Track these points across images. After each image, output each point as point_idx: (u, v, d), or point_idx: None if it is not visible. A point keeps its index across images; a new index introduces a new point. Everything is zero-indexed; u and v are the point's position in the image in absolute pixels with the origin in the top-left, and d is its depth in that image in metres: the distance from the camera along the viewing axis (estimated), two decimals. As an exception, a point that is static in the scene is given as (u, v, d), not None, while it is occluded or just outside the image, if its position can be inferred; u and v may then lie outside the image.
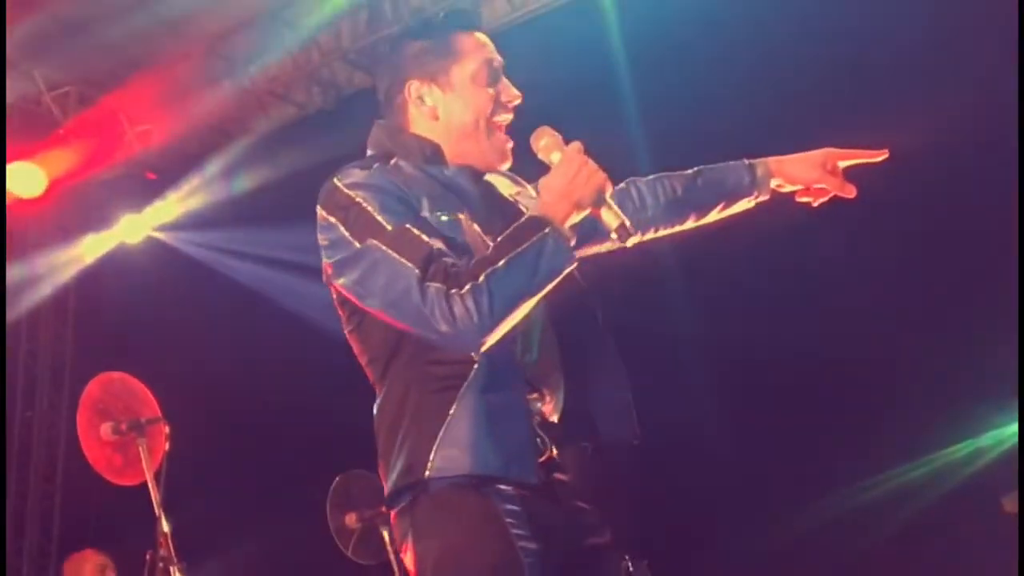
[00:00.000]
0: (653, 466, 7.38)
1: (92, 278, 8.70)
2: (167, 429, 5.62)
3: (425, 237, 2.90)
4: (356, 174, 3.01)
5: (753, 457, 7.55)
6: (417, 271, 2.83)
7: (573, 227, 2.95)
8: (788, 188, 3.49)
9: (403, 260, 2.85)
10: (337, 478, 6.74)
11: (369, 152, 3.19)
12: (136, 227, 8.56)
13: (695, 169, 3.51)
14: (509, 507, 2.92)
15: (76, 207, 8.45)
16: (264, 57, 8.11)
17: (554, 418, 3.06)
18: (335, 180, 3.01)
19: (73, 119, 8.08)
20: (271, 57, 8.12)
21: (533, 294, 2.87)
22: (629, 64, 7.54)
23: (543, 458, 3.00)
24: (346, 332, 3.11)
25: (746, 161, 3.48)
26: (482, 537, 2.90)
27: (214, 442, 7.35)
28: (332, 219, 2.97)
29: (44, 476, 8.99)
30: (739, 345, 7.66)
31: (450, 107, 3.14)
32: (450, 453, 2.90)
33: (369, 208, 2.94)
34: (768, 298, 7.54)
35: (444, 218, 3.01)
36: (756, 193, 3.48)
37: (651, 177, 3.50)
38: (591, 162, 2.95)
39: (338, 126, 8.02)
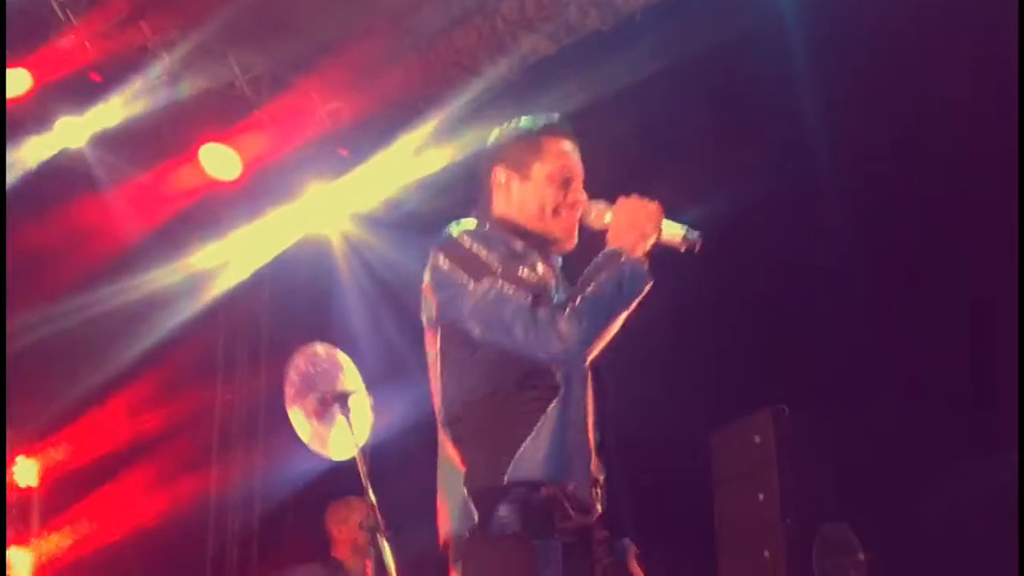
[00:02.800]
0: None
1: (287, 258, 8.80)
2: (372, 401, 5.65)
3: (533, 275, 3.46)
4: (469, 228, 3.55)
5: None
6: (529, 300, 3.36)
7: (645, 254, 3.47)
8: None
9: (517, 290, 3.38)
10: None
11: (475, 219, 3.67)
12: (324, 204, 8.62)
13: None
14: (554, 564, 3.36)
15: (270, 186, 8.54)
16: (448, 28, 8.13)
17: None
18: (449, 231, 3.55)
19: (267, 101, 8.15)
20: (455, 28, 8.14)
21: (621, 313, 3.40)
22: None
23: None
24: (440, 362, 3.55)
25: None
26: None
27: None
28: (448, 258, 3.48)
29: (245, 450, 9.13)
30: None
31: (523, 194, 3.66)
32: (527, 461, 3.37)
33: (481, 253, 3.46)
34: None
35: (540, 271, 3.52)
36: None
37: None
38: (641, 198, 3.53)
39: (524, 95, 7.97)
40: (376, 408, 5.72)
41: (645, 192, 3.62)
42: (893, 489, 7.47)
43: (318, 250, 8.73)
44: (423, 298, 3.61)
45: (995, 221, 7.04)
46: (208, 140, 8.11)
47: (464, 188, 7.78)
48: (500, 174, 3.70)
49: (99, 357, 8.05)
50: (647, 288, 3.43)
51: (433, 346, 3.58)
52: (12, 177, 7.47)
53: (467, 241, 3.50)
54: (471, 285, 3.42)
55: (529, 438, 3.38)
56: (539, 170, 3.66)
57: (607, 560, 3.58)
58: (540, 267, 3.54)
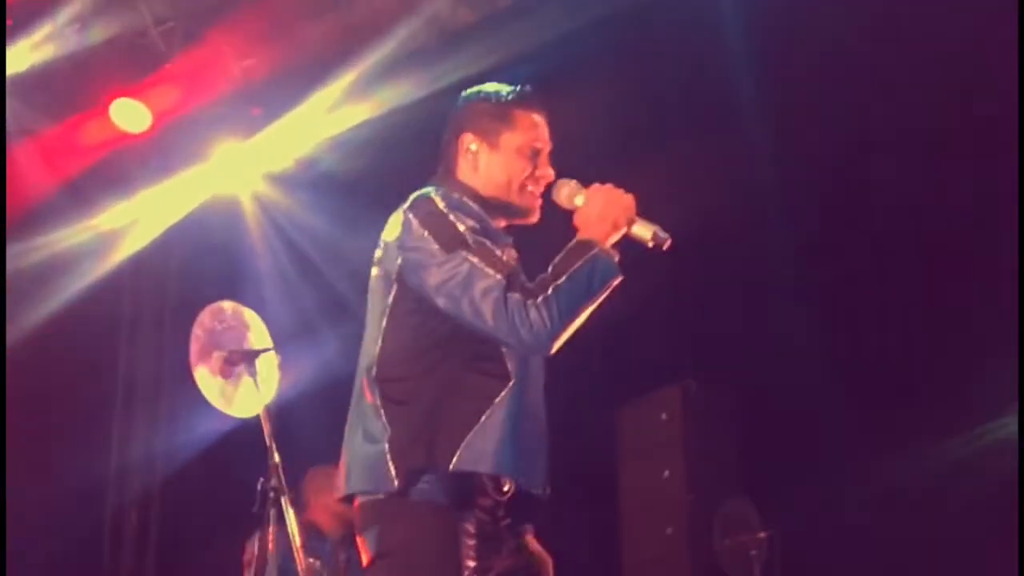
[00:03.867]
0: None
1: (196, 217, 8.66)
2: (279, 359, 5.59)
3: (502, 256, 3.43)
4: (448, 195, 3.52)
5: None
6: (504, 282, 3.32)
7: (614, 246, 3.46)
8: None
9: (490, 271, 3.34)
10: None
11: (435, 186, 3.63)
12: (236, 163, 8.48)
13: None
14: (469, 539, 3.38)
15: (180, 142, 8.40)
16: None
17: None
18: (431, 193, 3.52)
19: (179, 53, 8.01)
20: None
21: (591, 304, 3.38)
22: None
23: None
24: (388, 316, 3.52)
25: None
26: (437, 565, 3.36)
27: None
28: (421, 225, 3.44)
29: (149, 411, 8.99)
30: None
31: (491, 164, 3.65)
32: (477, 452, 3.36)
33: (458, 224, 3.42)
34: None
35: (503, 254, 3.48)
36: None
37: None
38: (616, 189, 3.51)
39: (441, 62, 7.90)
40: (283, 367, 5.66)
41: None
42: (797, 467, 7.51)
43: (229, 210, 8.60)
44: (383, 248, 3.57)
45: (919, 198, 7.12)
46: (118, 91, 7.93)
47: (376, 148, 7.83)
48: (468, 141, 3.67)
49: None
50: (617, 281, 3.42)
51: (384, 298, 3.54)
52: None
53: (443, 207, 3.47)
54: (442, 256, 3.38)
55: (477, 426, 3.38)
56: (509, 140, 3.65)
57: (512, 541, 3.58)
58: (509, 251, 3.56)
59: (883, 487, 7.22)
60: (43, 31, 7.35)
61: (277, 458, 5.31)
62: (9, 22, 7.28)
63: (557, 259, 3.40)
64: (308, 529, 6.83)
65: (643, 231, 3.50)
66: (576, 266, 3.35)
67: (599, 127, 7.37)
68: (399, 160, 7.18)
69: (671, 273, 7.26)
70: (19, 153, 7.87)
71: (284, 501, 5.29)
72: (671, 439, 7.88)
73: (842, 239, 7.47)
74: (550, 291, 3.32)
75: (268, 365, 5.56)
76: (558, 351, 3.48)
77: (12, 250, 7.70)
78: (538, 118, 3.70)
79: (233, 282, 8.14)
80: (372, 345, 3.54)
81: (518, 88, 3.73)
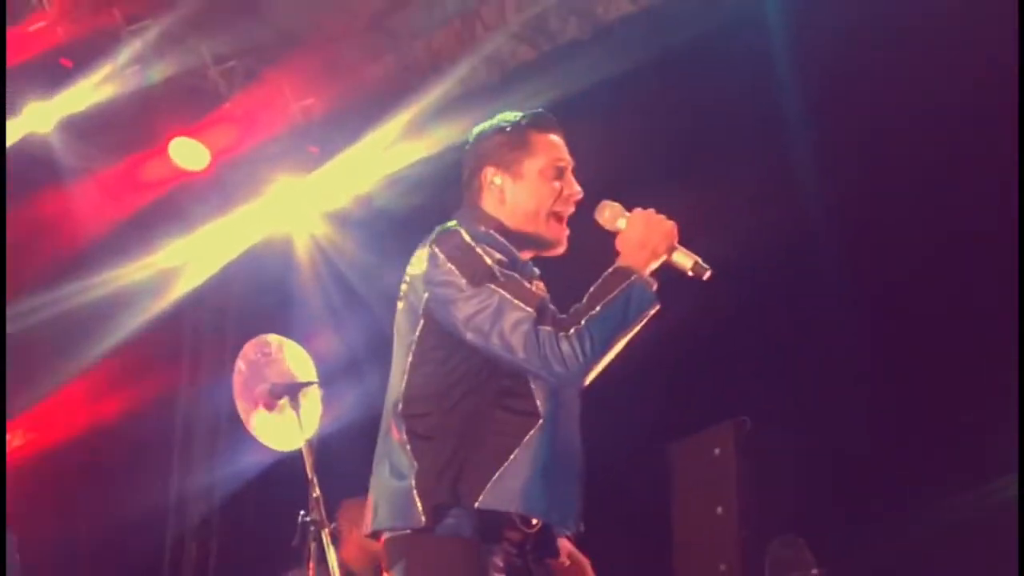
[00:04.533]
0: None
1: (253, 255, 8.76)
2: (323, 393, 5.61)
3: (532, 287, 3.43)
4: (474, 229, 3.49)
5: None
6: (535, 314, 3.29)
7: (653, 274, 3.42)
8: None
9: (520, 304, 3.31)
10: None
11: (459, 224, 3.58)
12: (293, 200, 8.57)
13: None
14: (498, 573, 3.35)
15: (238, 180, 8.50)
16: (427, 31, 8.09)
17: None
18: (457, 226, 3.49)
19: (238, 93, 8.11)
20: (435, 31, 8.10)
21: (626, 334, 3.34)
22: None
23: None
24: (414, 352, 3.48)
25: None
26: None
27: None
28: (448, 259, 3.41)
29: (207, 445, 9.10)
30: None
31: (517, 195, 3.60)
32: (503, 490, 3.33)
33: (485, 257, 3.40)
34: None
35: (531, 287, 3.46)
36: None
37: None
38: (658, 215, 3.48)
39: (498, 99, 7.94)
40: (327, 401, 5.68)
41: (624, 200, 3.61)
42: (849, 506, 7.45)
43: (285, 247, 8.68)
44: (409, 283, 3.55)
45: (972, 243, 7.05)
46: (177, 130, 8.05)
47: (433, 185, 7.88)
48: (490, 175, 3.63)
49: (61, 355, 7.97)
50: (654, 311, 3.38)
51: (410, 333, 3.51)
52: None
53: (469, 240, 3.45)
54: (470, 290, 3.35)
55: (504, 465, 3.34)
56: (530, 167, 3.62)
57: (540, 572, 3.54)
58: (537, 284, 3.55)
59: (936, 527, 7.13)
60: (103, 71, 7.48)
61: (318, 492, 5.32)
62: (70, 63, 7.41)
63: (594, 287, 3.37)
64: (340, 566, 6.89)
65: (684, 260, 3.46)
66: (612, 295, 3.31)
67: (647, 154, 7.40)
68: (455, 198, 7.25)
69: (725, 308, 7.29)
70: (79, 191, 8.00)
71: (324, 535, 5.30)
72: (725, 475, 7.83)
73: (896, 272, 7.41)
74: (583, 322, 3.27)
75: (311, 399, 5.58)
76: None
77: (73, 287, 7.82)
78: (555, 138, 3.68)
79: (287, 318, 8.22)
80: (399, 381, 3.51)
81: (529, 113, 3.70)
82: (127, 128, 8.02)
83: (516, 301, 3.32)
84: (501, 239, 3.53)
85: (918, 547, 7.19)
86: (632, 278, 3.34)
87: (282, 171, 8.39)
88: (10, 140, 7.45)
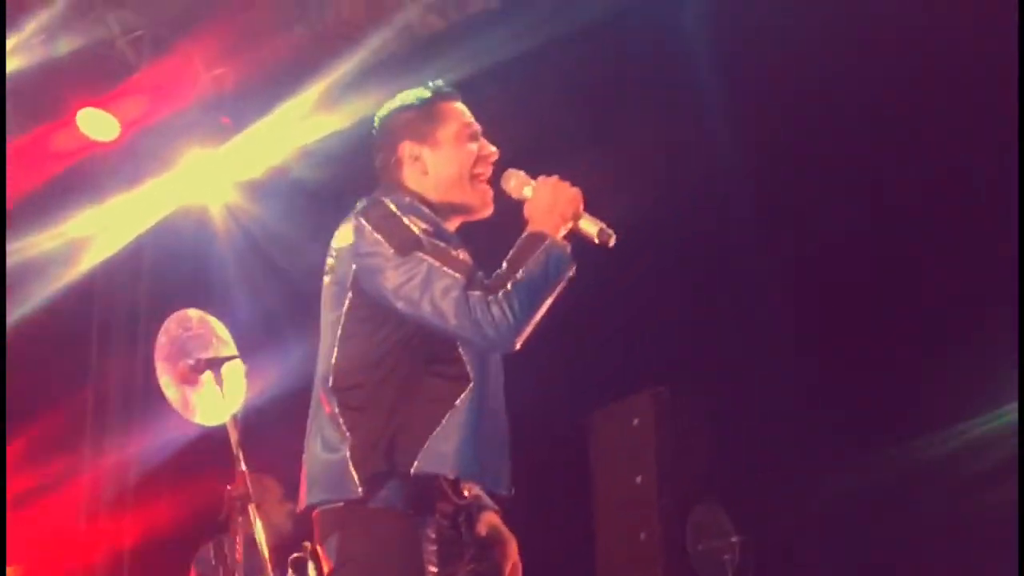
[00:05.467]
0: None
1: (166, 226, 8.65)
2: (246, 367, 5.56)
3: (459, 255, 3.44)
4: (399, 199, 3.52)
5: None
6: (464, 280, 3.32)
7: (565, 238, 3.46)
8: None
9: (449, 271, 3.34)
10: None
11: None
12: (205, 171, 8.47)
13: None
14: (431, 544, 3.37)
15: (150, 150, 8.39)
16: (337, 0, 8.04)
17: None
18: (383, 198, 3.52)
19: (147, 63, 8.00)
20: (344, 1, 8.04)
21: (550, 295, 3.39)
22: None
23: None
24: (343, 325, 3.50)
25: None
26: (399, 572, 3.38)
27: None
28: (375, 230, 3.43)
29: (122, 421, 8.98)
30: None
31: (438, 163, 3.65)
32: (437, 455, 3.36)
33: (412, 227, 3.42)
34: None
35: (458, 254, 3.47)
36: None
37: None
38: (562, 181, 3.53)
39: (411, 71, 7.90)
40: (250, 375, 5.64)
41: (531, 168, 3.64)
42: (769, 471, 7.52)
43: (199, 218, 8.59)
44: (336, 257, 3.55)
45: (885, 199, 7.14)
46: (86, 101, 7.93)
47: (346, 157, 7.82)
48: (408, 149, 3.66)
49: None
50: (571, 272, 3.43)
51: (337, 307, 3.53)
52: None
53: (395, 210, 3.47)
54: (397, 259, 3.38)
55: (437, 429, 3.38)
56: (445, 134, 3.67)
57: (473, 547, 3.55)
58: (464, 252, 3.53)
59: (854, 490, 7.22)
60: (9, 42, 7.32)
61: (244, 466, 5.28)
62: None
63: (511, 253, 3.42)
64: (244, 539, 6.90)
65: (589, 227, 3.52)
66: (531, 259, 3.37)
67: (559, 121, 7.41)
68: (370, 169, 7.20)
69: (639, 277, 7.32)
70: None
71: (251, 509, 5.26)
72: (643, 445, 7.88)
73: (813, 236, 7.46)
74: (509, 286, 3.32)
75: (234, 373, 5.52)
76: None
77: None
78: (460, 105, 3.75)
79: (203, 290, 8.15)
80: (327, 355, 3.53)
81: (431, 85, 3.76)
82: (34, 100, 7.90)
83: (445, 268, 3.35)
84: (426, 209, 3.55)
85: (838, 512, 7.30)
86: (547, 241, 3.40)
87: (194, 142, 8.27)
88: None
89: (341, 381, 3.47)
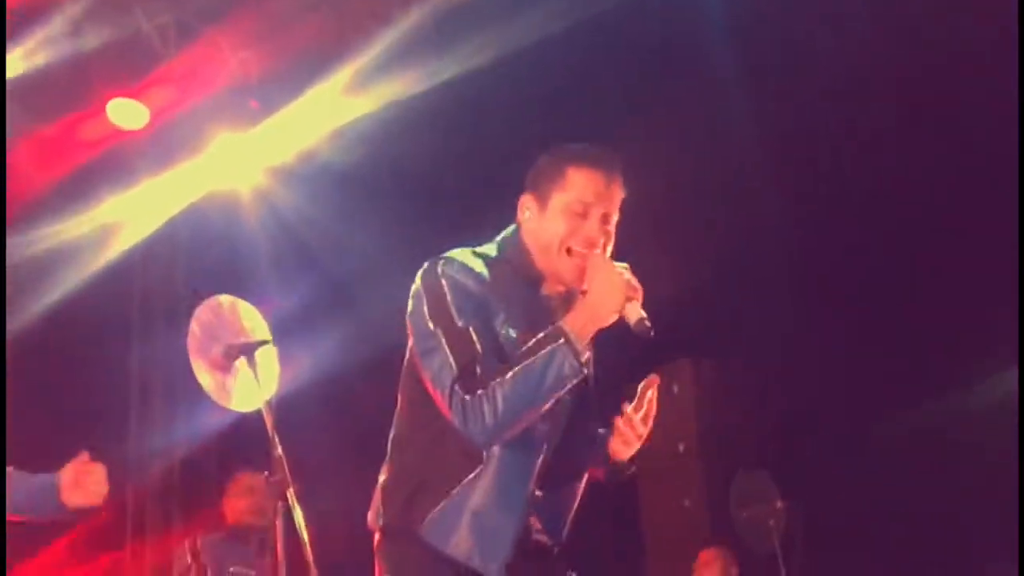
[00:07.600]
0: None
1: (198, 210, 8.69)
2: (278, 352, 5.55)
3: (478, 341, 3.34)
4: (455, 265, 3.46)
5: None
6: (456, 370, 3.30)
7: (592, 339, 3.34)
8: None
9: (451, 357, 3.32)
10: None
11: (496, 241, 3.64)
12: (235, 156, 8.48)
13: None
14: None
15: (179, 136, 8.40)
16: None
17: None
18: (437, 262, 3.47)
19: (175, 51, 8.01)
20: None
21: (538, 403, 3.30)
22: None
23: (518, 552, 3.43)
24: (409, 355, 3.54)
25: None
26: None
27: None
28: (422, 293, 3.45)
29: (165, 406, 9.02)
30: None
31: (540, 225, 3.56)
32: (442, 528, 3.37)
33: (448, 298, 3.39)
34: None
35: (513, 334, 3.42)
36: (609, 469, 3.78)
37: None
38: (615, 271, 3.37)
39: (439, 55, 7.90)
40: (284, 360, 5.63)
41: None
42: (814, 437, 7.51)
43: (230, 202, 8.60)
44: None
45: (924, 185, 7.10)
46: (115, 90, 7.95)
47: (375, 140, 7.83)
48: (524, 203, 3.62)
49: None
50: (574, 381, 3.32)
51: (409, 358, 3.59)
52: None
53: (444, 278, 3.46)
54: (428, 326, 3.41)
55: (447, 501, 3.41)
56: (557, 200, 3.54)
57: None
58: (513, 331, 3.45)
59: (899, 455, 7.20)
60: (36, 38, 7.34)
61: (280, 451, 5.28)
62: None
63: (528, 345, 3.34)
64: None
65: (631, 313, 3.39)
66: (532, 359, 3.29)
67: (596, 99, 7.39)
68: (397, 152, 7.22)
69: (681, 251, 7.29)
70: (15, 152, 7.86)
71: (290, 494, 5.25)
72: (684, 412, 7.87)
73: (841, 210, 7.44)
74: (490, 388, 3.28)
75: (268, 358, 5.51)
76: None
77: (11, 242, 7.72)
78: (595, 175, 3.55)
79: (237, 274, 8.17)
80: (400, 394, 3.65)
81: (575, 146, 3.62)
82: (63, 91, 7.90)
83: (450, 353, 3.35)
84: (485, 274, 3.50)
85: (882, 473, 7.28)
86: (560, 341, 3.29)
87: (223, 127, 8.28)
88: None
89: (398, 427, 3.60)
